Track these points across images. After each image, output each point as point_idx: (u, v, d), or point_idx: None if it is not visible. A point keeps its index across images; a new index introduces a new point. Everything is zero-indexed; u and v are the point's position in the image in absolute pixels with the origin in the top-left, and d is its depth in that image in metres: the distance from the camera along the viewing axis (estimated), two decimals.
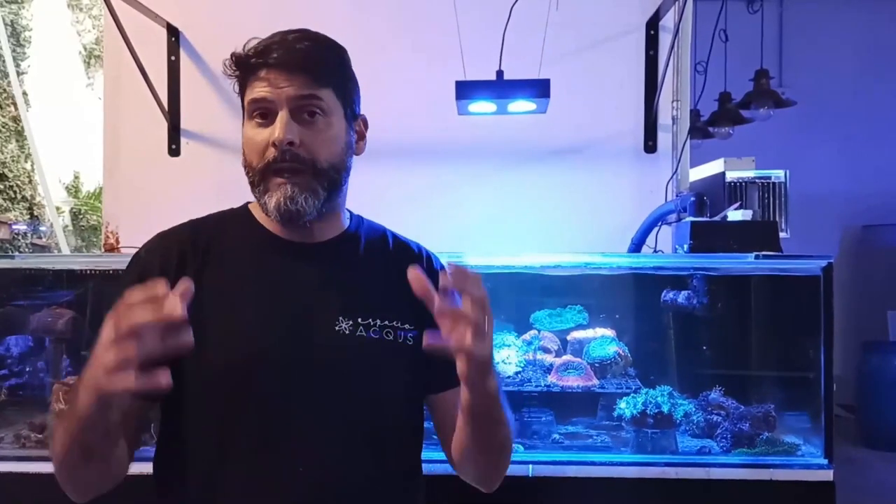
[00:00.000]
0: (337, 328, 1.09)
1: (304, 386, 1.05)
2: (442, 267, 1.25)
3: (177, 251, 1.10)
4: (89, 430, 0.89)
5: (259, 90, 1.06)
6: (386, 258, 1.20)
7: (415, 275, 0.89)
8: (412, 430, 1.16)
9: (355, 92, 1.15)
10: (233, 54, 1.09)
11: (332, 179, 1.10)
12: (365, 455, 1.07)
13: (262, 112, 1.07)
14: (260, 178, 1.07)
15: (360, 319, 1.10)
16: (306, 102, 1.06)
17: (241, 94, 1.11)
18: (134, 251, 1.15)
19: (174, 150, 2.71)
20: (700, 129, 4.57)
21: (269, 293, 1.10)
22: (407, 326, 1.13)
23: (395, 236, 1.25)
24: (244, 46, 1.09)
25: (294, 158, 1.05)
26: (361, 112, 1.18)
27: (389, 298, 1.15)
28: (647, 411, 1.85)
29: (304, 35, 1.09)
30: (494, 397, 0.97)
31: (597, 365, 2.09)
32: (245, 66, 1.07)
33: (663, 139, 2.63)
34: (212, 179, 2.64)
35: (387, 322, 1.12)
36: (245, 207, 1.20)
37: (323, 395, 1.06)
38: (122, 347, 0.78)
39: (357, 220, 1.23)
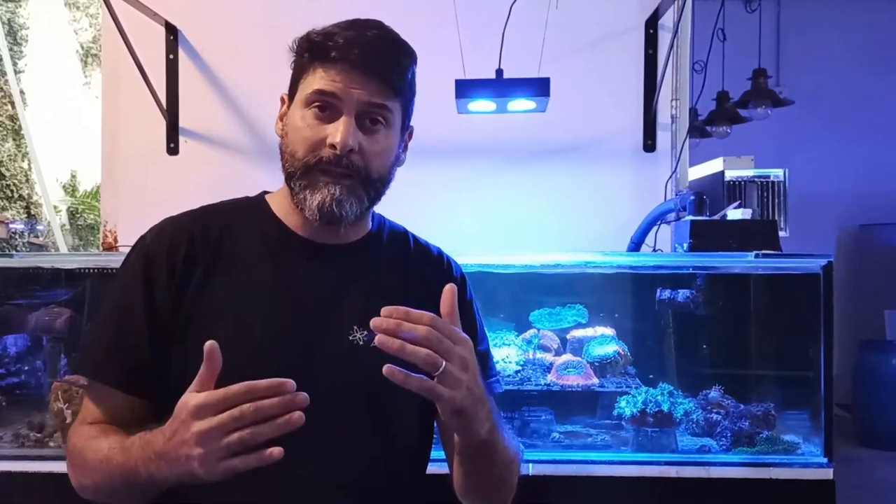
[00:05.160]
0: (351, 338, 1.05)
1: (313, 393, 1.03)
2: (462, 274, 1.23)
3: (186, 241, 1.05)
4: (151, 490, 0.90)
5: (330, 83, 1.00)
6: (407, 263, 1.16)
7: (450, 290, 0.89)
8: (421, 442, 1.13)
9: (413, 102, 1.12)
10: (308, 37, 1.03)
11: (378, 190, 1.06)
12: (374, 468, 1.04)
13: (322, 105, 1.01)
14: (304, 171, 1.02)
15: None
16: (374, 111, 1.02)
17: (298, 74, 1.05)
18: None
19: (172, 149, 2.71)
20: (698, 128, 4.57)
21: (284, 294, 1.06)
22: None
23: (417, 239, 1.21)
24: (318, 31, 1.02)
25: (348, 165, 1.01)
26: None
27: (407, 307, 1.13)
28: (647, 410, 1.85)
29: (380, 31, 1.04)
30: (487, 441, 0.94)
31: (596, 364, 2.09)
32: (320, 54, 1.01)
33: (662, 138, 2.63)
34: (210, 178, 2.64)
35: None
36: (261, 198, 1.15)
37: (333, 407, 1.01)
38: (237, 432, 0.80)
39: (379, 221, 1.19)
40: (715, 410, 1.99)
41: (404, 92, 1.06)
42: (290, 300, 1.06)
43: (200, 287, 1.03)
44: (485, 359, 1.22)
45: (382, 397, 1.05)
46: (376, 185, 1.05)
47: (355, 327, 1.06)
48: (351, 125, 1.00)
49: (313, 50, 1.02)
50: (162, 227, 1.09)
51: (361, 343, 1.05)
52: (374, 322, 0.82)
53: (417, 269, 1.16)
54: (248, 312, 1.03)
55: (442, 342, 0.84)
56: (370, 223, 1.16)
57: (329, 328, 1.05)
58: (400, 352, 0.82)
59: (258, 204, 1.13)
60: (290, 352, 1.03)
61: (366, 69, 1.00)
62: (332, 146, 1.00)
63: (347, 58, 0.99)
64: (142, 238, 1.08)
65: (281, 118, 1.09)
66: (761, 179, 2.69)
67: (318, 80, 1.01)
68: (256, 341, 1.02)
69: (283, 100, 1.09)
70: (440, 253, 1.21)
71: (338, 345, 1.05)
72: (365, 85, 1.00)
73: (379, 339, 0.81)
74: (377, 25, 1.05)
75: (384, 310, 0.83)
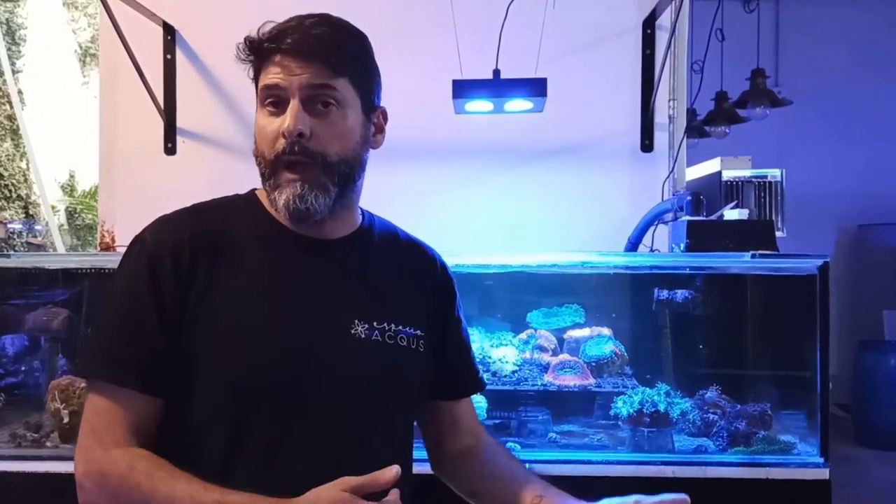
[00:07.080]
0: (353, 331, 1.05)
1: (317, 388, 1.02)
2: (450, 272, 1.24)
3: (188, 240, 1.03)
4: None
5: (272, 76, 1.01)
6: (399, 259, 1.17)
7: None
8: (412, 431, 1.17)
9: (375, 82, 1.10)
10: (246, 38, 1.04)
11: (344, 174, 1.05)
12: (377, 459, 1.03)
13: (274, 100, 1.02)
14: (271, 170, 1.03)
15: (375, 323, 1.07)
16: (320, 92, 1.01)
17: (256, 80, 1.06)
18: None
19: (170, 149, 2.71)
20: (696, 128, 4.58)
21: (284, 290, 1.05)
22: (419, 333, 1.11)
23: (408, 237, 1.22)
24: (258, 30, 1.04)
25: (303, 151, 1.01)
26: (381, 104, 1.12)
27: (403, 301, 1.12)
28: (644, 410, 1.85)
29: (323, 20, 1.04)
30: None
31: (593, 364, 2.09)
32: (258, 51, 1.03)
33: (660, 138, 2.63)
34: (208, 178, 2.64)
35: (401, 327, 1.09)
36: (252, 194, 1.14)
37: (338, 399, 1.03)
38: None
39: (369, 218, 1.18)
40: (711, 410, 1.99)
41: (350, 69, 1.04)
42: (290, 297, 1.05)
43: (205, 286, 1.02)
44: (468, 353, 1.25)
45: (385, 389, 1.07)
46: (340, 169, 1.04)
47: (356, 321, 1.06)
48: (297, 110, 1.00)
49: (254, 52, 1.04)
50: (160, 227, 1.07)
51: (363, 336, 1.06)
52: None
53: (410, 264, 1.18)
54: (249, 311, 1.03)
55: None
56: (359, 218, 1.16)
57: (331, 323, 1.05)
58: None
59: (250, 201, 1.13)
60: (294, 348, 1.03)
61: (304, 54, 1.00)
62: (283, 134, 1.00)
63: (282, 48, 1.01)
64: (139, 239, 1.06)
65: None
66: (758, 180, 2.69)
67: (263, 77, 1.03)
68: (259, 339, 1.02)
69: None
70: (430, 249, 1.23)
71: (340, 339, 1.05)
72: (305, 69, 1.00)
73: None
74: (318, 15, 1.05)
75: None
